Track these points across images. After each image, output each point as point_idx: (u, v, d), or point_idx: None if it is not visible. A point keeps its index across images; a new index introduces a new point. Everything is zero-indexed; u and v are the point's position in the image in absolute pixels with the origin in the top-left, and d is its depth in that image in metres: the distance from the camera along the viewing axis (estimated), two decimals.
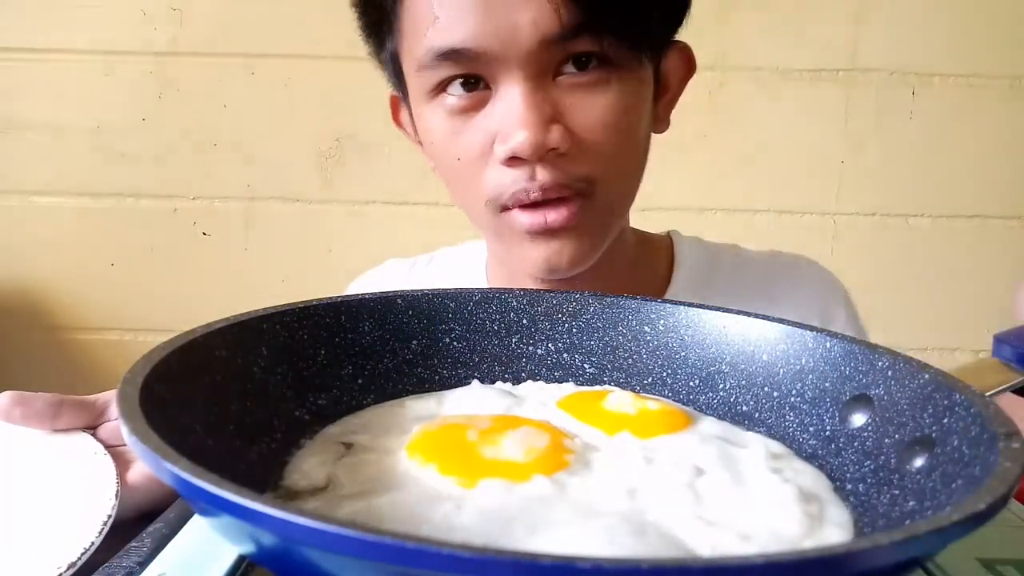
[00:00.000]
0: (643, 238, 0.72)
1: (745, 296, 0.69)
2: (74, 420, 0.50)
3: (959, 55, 1.28)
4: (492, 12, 0.50)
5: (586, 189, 0.55)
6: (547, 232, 0.55)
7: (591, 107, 0.53)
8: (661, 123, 0.62)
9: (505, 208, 0.55)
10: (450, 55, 0.52)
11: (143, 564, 0.32)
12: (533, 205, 0.54)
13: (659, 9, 0.57)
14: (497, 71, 0.52)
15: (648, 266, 0.71)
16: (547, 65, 0.53)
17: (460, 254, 0.79)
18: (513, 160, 0.53)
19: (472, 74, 0.53)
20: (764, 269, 0.73)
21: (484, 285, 0.73)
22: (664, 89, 0.61)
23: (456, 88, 0.54)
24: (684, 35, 0.62)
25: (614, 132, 0.54)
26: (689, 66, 0.63)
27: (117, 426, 0.51)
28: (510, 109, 0.52)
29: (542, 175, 0.53)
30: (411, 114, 0.61)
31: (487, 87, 0.54)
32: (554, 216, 0.54)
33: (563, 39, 0.51)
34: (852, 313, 0.73)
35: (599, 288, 0.57)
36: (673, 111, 0.64)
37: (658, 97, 0.60)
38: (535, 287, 0.60)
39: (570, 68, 0.53)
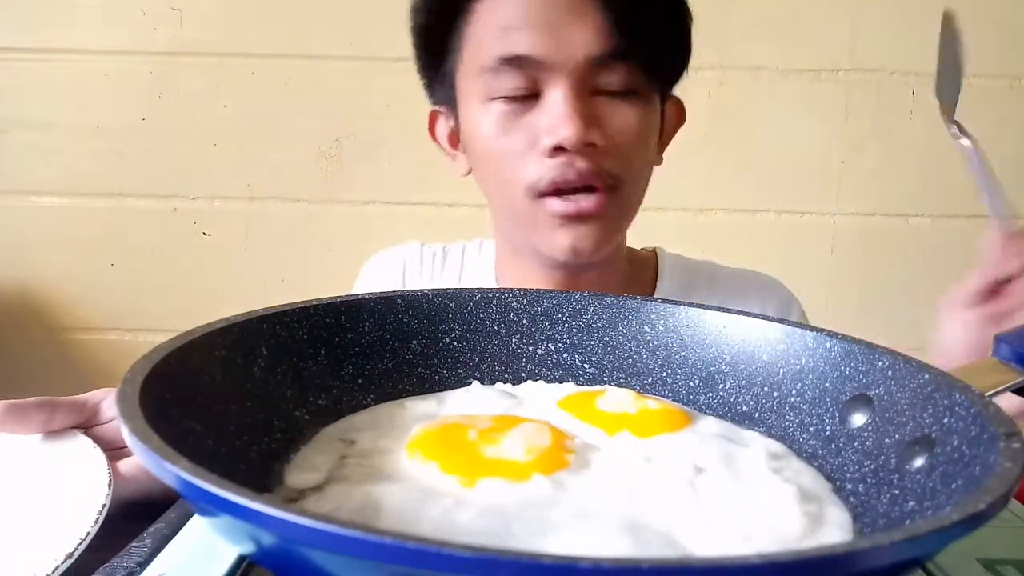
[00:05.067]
0: (633, 253, 0.82)
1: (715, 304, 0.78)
2: (68, 421, 0.50)
3: None
4: (552, 29, 0.62)
5: (613, 184, 0.64)
6: (577, 218, 0.64)
7: (621, 117, 0.64)
8: (657, 157, 0.73)
9: (542, 194, 0.64)
10: (513, 61, 0.62)
11: (143, 564, 0.32)
12: (569, 192, 0.63)
13: (671, 54, 0.69)
14: (549, 78, 0.62)
15: (638, 278, 0.81)
16: (587, 80, 0.63)
17: (475, 251, 0.85)
18: (557, 151, 0.62)
19: (525, 84, 0.63)
20: (733, 283, 0.83)
21: (492, 284, 0.79)
22: (661, 130, 0.72)
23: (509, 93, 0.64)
24: None
25: (637, 138, 0.65)
26: (681, 116, 0.76)
27: (112, 427, 0.51)
28: (558, 109, 0.62)
29: (580, 163, 0.62)
30: (456, 125, 0.70)
31: (535, 95, 0.63)
32: (586, 203, 0.63)
33: (603, 60, 0.62)
34: (801, 318, 0.82)
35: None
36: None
37: (659, 136, 0.71)
38: (543, 285, 0.70)
39: (603, 91, 0.64)
